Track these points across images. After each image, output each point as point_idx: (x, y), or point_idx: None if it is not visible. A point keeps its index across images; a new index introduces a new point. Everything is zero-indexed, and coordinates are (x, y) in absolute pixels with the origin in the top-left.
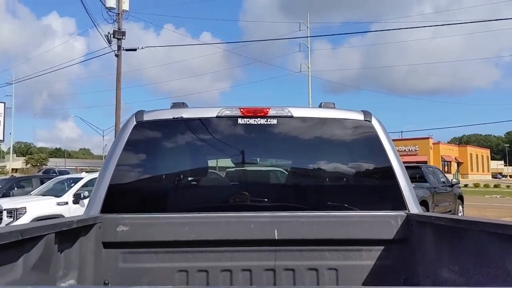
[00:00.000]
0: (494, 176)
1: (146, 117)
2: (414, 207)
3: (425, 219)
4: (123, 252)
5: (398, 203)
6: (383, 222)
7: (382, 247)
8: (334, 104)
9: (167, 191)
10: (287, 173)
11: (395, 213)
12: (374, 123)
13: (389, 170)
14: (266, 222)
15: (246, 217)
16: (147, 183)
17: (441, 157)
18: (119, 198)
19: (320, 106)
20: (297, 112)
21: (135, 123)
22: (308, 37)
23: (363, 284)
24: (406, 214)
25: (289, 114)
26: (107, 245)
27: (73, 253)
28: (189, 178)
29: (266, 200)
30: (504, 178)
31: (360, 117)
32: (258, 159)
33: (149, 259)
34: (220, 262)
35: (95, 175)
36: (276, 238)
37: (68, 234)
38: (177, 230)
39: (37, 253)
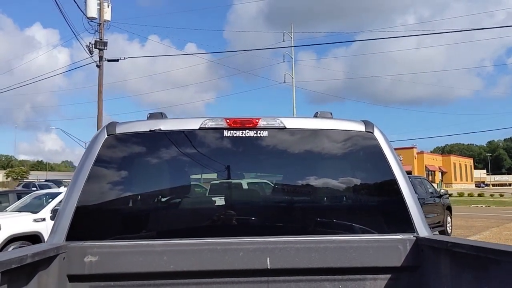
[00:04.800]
0: (478, 185)
1: (119, 130)
2: (423, 229)
3: (438, 244)
4: (91, 287)
5: (406, 224)
6: (390, 247)
7: (389, 276)
8: (331, 113)
9: (142, 214)
10: (279, 191)
11: (403, 237)
12: (377, 134)
13: (394, 187)
14: (256, 249)
15: (233, 244)
16: (120, 205)
17: (425, 166)
18: (87, 223)
19: (315, 116)
20: (290, 123)
21: (106, 136)
22: (292, 47)
23: None
24: (415, 238)
25: (281, 125)
26: (72, 278)
27: None
28: (168, 199)
29: (256, 223)
30: (487, 187)
31: (361, 127)
32: (247, 177)
33: None
34: None
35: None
36: (269, 267)
37: (21, 270)
38: (153, 260)
39: None
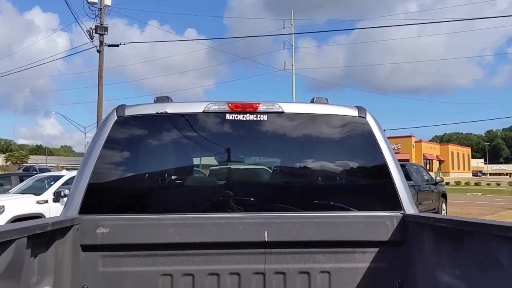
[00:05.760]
0: (475, 174)
1: (128, 112)
2: (410, 207)
3: (423, 220)
4: (103, 256)
5: (394, 203)
6: (378, 223)
7: (376, 249)
8: (327, 99)
9: (150, 191)
10: (277, 171)
11: (390, 214)
12: (369, 119)
13: (384, 168)
14: (255, 223)
15: (234, 218)
16: (129, 182)
17: (423, 155)
18: (98, 198)
19: (312, 101)
20: (288, 108)
21: (116, 118)
22: (292, 34)
23: (357, 287)
24: (402, 215)
25: (280, 109)
26: (85, 248)
27: (48, 258)
28: (174, 177)
29: (255, 200)
30: (484, 176)
31: (354, 113)
32: (247, 157)
33: (131, 263)
34: (206, 265)
35: (76, 172)
36: (266, 240)
37: (42, 237)
38: (161, 232)
39: (6, 259)
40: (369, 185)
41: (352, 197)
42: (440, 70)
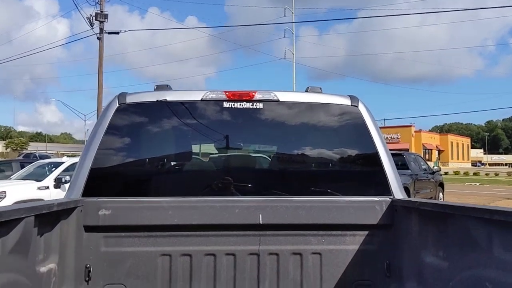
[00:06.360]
0: (474, 164)
1: (129, 99)
2: (399, 193)
3: (410, 204)
4: (105, 236)
5: (383, 188)
6: (368, 207)
7: (366, 232)
8: (321, 88)
9: (150, 175)
10: (272, 158)
11: (380, 199)
12: (361, 108)
13: (374, 155)
14: (250, 207)
15: (230, 202)
16: (130, 167)
17: (423, 145)
18: (100, 182)
19: (306, 91)
20: (283, 96)
21: (117, 105)
22: (293, 22)
23: (347, 268)
24: (390, 200)
25: (275, 98)
26: (88, 229)
27: (53, 237)
28: (173, 162)
29: (251, 185)
30: (483, 166)
31: (347, 102)
32: (243, 144)
33: (132, 243)
34: (204, 246)
35: (76, 159)
36: (261, 222)
37: (48, 217)
38: (160, 214)
39: (15, 236)
40: (360, 171)
41: (344, 183)
42: (442, 60)
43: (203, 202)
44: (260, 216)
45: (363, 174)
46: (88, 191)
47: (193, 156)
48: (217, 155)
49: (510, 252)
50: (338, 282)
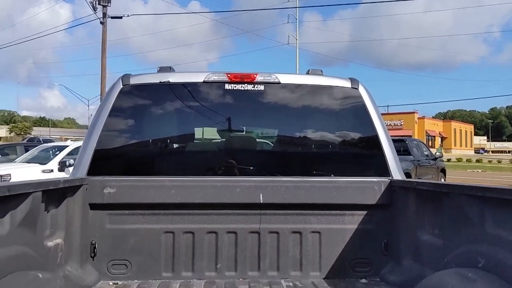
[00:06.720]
0: (477, 151)
1: (133, 81)
2: (397, 174)
3: (407, 184)
4: (109, 214)
5: (382, 170)
6: (367, 187)
7: (365, 212)
8: (321, 71)
9: (153, 156)
10: (272, 139)
11: (379, 179)
12: (361, 90)
13: (374, 137)
14: (251, 186)
15: (232, 182)
16: (133, 147)
17: (426, 131)
18: (105, 162)
19: (307, 73)
20: (284, 79)
21: (121, 86)
22: (296, 7)
23: (345, 247)
24: (389, 180)
25: (276, 80)
26: (93, 206)
27: (59, 213)
28: (175, 143)
29: (252, 165)
30: (486, 154)
31: (347, 84)
32: (244, 125)
33: (136, 221)
34: (206, 224)
35: (80, 143)
36: (261, 202)
37: (55, 193)
38: (163, 193)
39: (24, 210)
40: (360, 153)
41: (344, 164)
42: (446, 47)
43: (205, 181)
44: (261, 195)
45: (362, 155)
46: (93, 170)
47: (195, 136)
48: (218, 135)
49: (501, 227)
50: (337, 259)
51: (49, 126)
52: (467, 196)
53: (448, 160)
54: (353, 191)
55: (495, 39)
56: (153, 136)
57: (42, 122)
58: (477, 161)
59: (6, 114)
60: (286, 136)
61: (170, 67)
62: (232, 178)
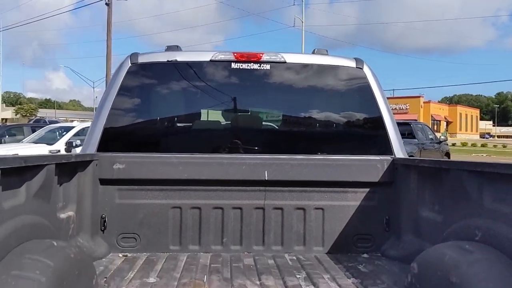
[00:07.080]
0: (482, 136)
1: (141, 59)
2: (400, 152)
3: (409, 162)
4: (119, 189)
5: (385, 148)
6: (370, 165)
7: (367, 189)
8: (327, 50)
9: (161, 133)
10: (278, 117)
11: (382, 158)
12: (366, 70)
13: (378, 116)
14: (256, 163)
15: (237, 159)
16: (142, 125)
17: (431, 116)
18: (114, 139)
19: (313, 53)
20: (290, 58)
21: (130, 64)
22: None
23: (348, 223)
24: (392, 159)
25: (282, 59)
26: (103, 181)
27: (71, 187)
28: (183, 121)
29: (257, 143)
30: (491, 138)
31: (352, 64)
32: (251, 103)
33: (144, 196)
34: (212, 200)
35: (87, 124)
36: (266, 179)
37: (67, 167)
38: (171, 169)
39: (38, 182)
40: (363, 132)
41: (348, 143)
42: (453, 30)
43: (211, 158)
44: (266, 172)
45: (366, 134)
46: (102, 147)
47: (201, 115)
48: (224, 114)
49: (498, 201)
50: (339, 235)
51: (54, 108)
52: (466, 171)
53: (453, 144)
54: (356, 169)
55: (503, 23)
56: (160, 114)
57: (47, 104)
58: (482, 145)
59: (12, 96)
60: (292, 116)
61: (177, 46)
62: (237, 156)
